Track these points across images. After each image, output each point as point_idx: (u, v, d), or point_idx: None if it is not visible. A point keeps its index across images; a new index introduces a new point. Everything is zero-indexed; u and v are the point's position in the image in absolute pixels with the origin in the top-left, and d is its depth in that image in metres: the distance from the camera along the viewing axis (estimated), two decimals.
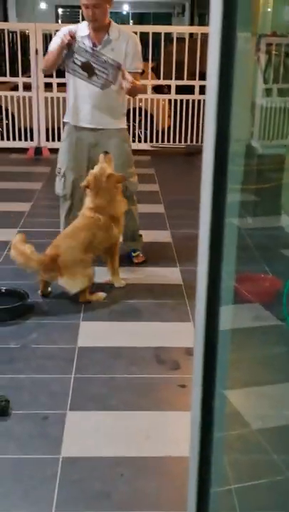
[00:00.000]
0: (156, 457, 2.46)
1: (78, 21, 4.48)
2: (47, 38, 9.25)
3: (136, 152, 8.48)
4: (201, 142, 8.54)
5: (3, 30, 8.85)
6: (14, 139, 8.36)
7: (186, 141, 8.69)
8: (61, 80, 6.92)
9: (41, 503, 2.18)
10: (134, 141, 8.78)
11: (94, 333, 3.48)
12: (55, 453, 2.45)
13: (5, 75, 8.25)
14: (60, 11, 22.85)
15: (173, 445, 2.53)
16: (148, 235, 5.15)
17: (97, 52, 3.92)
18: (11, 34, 9.31)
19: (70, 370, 3.06)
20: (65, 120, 4.32)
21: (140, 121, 8.78)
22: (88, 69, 3.90)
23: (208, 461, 1.04)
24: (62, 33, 3.99)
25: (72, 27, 4.10)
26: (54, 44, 4.00)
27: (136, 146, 8.69)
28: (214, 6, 0.92)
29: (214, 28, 0.92)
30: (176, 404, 2.84)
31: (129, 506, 2.19)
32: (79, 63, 3.90)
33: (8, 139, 8.43)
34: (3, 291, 3.81)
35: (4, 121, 8.49)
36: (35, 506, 2.17)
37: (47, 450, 2.47)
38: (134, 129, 8.81)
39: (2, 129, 8.52)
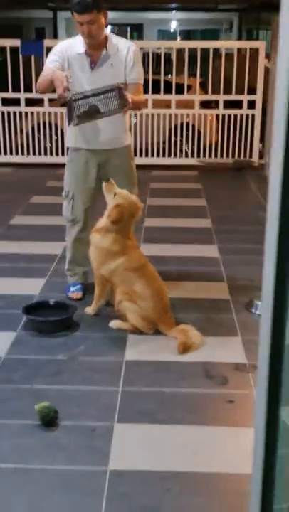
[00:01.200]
0: (204, 473, 2.42)
1: None
2: None
3: (183, 167, 8.56)
4: (249, 157, 8.59)
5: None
6: (63, 154, 8.51)
7: (233, 156, 8.66)
8: None
9: None
10: (180, 156, 8.82)
11: (141, 346, 3.47)
12: (102, 465, 2.45)
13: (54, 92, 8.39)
14: (108, 28, 23.21)
15: (221, 461, 2.49)
16: (194, 250, 5.14)
17: (93, 89, 3.68)
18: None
19: (117, 383, 3.06)
20: (69, 145, 4.11)
21: (187, 136, 8.81)
22: (94, 112, 3.68)
23: (271, 476, 1.01)
24: (54, 55, 3.82)
25: (64, 46, 3.86)
26: (47, 70, 3.78)
27: (183, 161, 8.74)
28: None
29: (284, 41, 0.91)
30: (224, 420, 2.80)
31: None
32: (82, 112, 3.67)
33: (56, 154, 8.59)
34: (52, 303, 3.85)
35: (53, 137, 8.65)
36: None
37: (94, 462, 2.47)
38: (181, 144, 8.86)
39: (51, 144, 8.69)
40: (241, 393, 3.00)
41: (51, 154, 8.66)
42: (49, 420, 2.70)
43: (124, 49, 3.83)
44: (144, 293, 3.57)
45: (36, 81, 4.06)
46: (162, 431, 2.70)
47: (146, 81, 8.09)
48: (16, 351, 3.37)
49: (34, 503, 2.25)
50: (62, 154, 8.44)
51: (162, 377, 3.14)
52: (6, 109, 8.48)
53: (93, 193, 4.02)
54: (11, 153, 8.66)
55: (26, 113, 8.43)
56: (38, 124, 8.60)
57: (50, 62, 3.83)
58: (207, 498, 2.30)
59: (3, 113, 8.52)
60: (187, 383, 3.08)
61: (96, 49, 3.79)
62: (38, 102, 8.48)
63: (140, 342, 3.52)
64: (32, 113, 8.50)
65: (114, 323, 3.64)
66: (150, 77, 8.19)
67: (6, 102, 8.47)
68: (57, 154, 8.60)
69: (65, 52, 3.83)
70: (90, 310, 3.78)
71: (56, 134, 8.64)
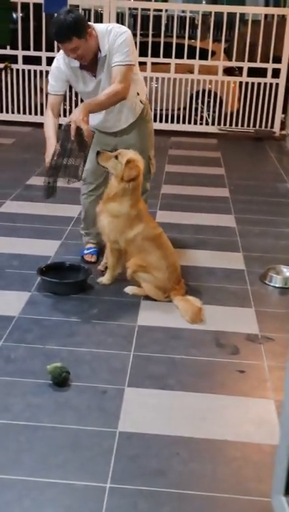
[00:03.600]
0: (212, 440, 2.45)
1: None
2: (121, 17, 9.25)
3: (202, 135, 8.45)
4: (271, 127, 8.45)
5: (78, 6, 8.87)
6: None
7: (255, 125, 8.53)
8: None
9: (97, 475, 2.22)
10: (201, 123, 8.70)
11: (154, 312, 3.48)
12: (112, 427, 2.48)
13: None
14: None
15: (229, 429, 2.52)
16: (211, 219, 5.12)
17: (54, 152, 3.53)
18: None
19: (129, 348, 3.08)
20: None
21: (208, 103, 8.68)
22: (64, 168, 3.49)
23: None
24: (51, 79, 3.69)
25: (60, 62, 3.62)
26: (49, 99, 3.71)
27: (203, 128, 8.63)
28: None
29: None
30: (233, 389, 2.82)
31: (183, 486, 2.20)
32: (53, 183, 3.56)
33: None
34: (67, 265, 3.86)
35: (73, 98, 8.56)
36: (91, 477, 2.21)
37: (104, 423, 2.50)
38: (201, 111, 8.73)
39: (70, 106, 8.60)
40: (252, 363, 3.01)
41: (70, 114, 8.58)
42: (61, 380, 2.73)
43: (112, 40, 3.52)
44: (159, 264, 3.57)
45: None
46: (172, 396, 2.72)
47: (169, 44, 8.03)
48: (30, 311, 3.39)
49: (44, 459, 2.29)
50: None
51: (174, 344, 3.16)
52: (26, 67, 8.38)
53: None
54: (30, 113, 8.60)
55: (47, 72, 8.32)
56: None
57: (51, 90, 3.72)
58: (214, 465, 2.32)
59: (23, 71, 8.43)
60: (198, 351, 3.10)
61: (92, 60, 3.56)
62: None
63: (153, 308, 3.53)
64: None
65: (130, 289, 3.65)
66: (174, 40, 8.04)
67: (27, 60, 8.36)
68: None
69: (62, 68, 3.63)
70: (104, 280, 3.75)
71: (76, 96, 8.54)
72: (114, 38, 3.53)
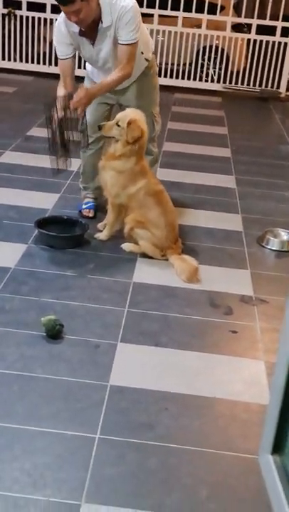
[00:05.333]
0: (202, 396, 2.49)
1: None
2: None
3: (207, 92, 8.31)
4: (277, 88, 8.32)
5: None
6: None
7: (260, 85, 8.39)
8: None
9: (87, 426, 2.26)
10: (206, 80, 8.55)
11: (150, 270, 3.49)
12: (103, 380, 2.52)
13: None
14: None
15: (220, 387, 2.56)
16: (212, 179, 5.08)
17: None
18: None
19: (123, 304, 3.10)
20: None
21: (215, 59, 8.51)
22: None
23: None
24: (57, 44, 3.65)
25: (61, 26, 3.57)
26: (60, 65, 3.69)
27: (208, 86, 8.48)
28: None
29: None
30: (226, 348, 2.85)
31: (170, 440, 2.24)
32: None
33: (79, 67, 8.34)
34: (65, 219, 3.85)
35: None
36: (81, 428, 2.25)
37: (96, 377, 2.54)
38: (207, 68, 8.57)
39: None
40: (245, 324, 3.04)
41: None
42: (55, 333, 2.76)
43: (118, 16, 3.47)
44: (158, 221, 3.56)
45: None
46: (164, 353, 2.76)
47: None
48: (26, 264, 3.40)
49: (36, 409, 2.33)
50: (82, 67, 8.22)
51: (168, 302, 3.18)
52: (31, 14, 8.17)
53: (106, 111, 3.93)
54: (33, 62, 8.43)
55: (52, 20, 8.11)
56: None
57: (58, 55, 3.69)
58: (202, 421, 2.37)
59: (27, 18, 8.22)
60: (192, 310, 3.12)
61: (91, 28, 3.51)
62: None
63: (149, 265, 3.54)
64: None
65: (127, 246, 3.65)
66: None
67: (32, 6, 8.14)
68: (79, 67, 8.34)
69: (63, 32, 3.59)
70: (102, 236, 3.74)
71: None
72: (120, 13, 3.46)
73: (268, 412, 1.13)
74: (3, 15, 8.21)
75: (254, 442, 2.15)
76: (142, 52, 3.76)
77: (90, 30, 3.52)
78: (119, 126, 3.50)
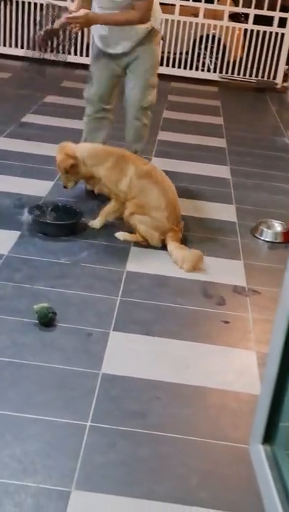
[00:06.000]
0: (193, 386, 2.50)
1: None
2: None
3: (203, 82, 8.28)
4: (273, 79, 8.30)
5: None
6: (81, 54, 8.20)
7: (257, 75, 8.36)
8: None
9: (79, 414, 2.26)
10: (202, 70, 8.51)
11: (143, 259, 3.49)
12: (95, 368, 2.52)
13: None
14: None
15: (211, 377, 2.57)
16: (206, 169, 5.07)
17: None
18: None
19: (116, 293, 3.10)
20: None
21: (211, 49, 8.46)
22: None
23: (281, 395, 1.04)
24: None
25: None
26: None
27: (204, 75, 8.44)
28: None
29: None
30: (218, 338, 2.86)
31: (162, 429, 2.25)
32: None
33: (75, 54, 8.28)
34: (60, 206, 3.83)
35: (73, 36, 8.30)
36: (73, 416, 2.25)
37: (88, 365, 2.54)
38: (204, 57, 8.53)
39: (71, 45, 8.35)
40: (237, 315, 3.05)
41: (69, 53, 8.33)
42: (47, 321, 2.75)
43: None
44: (158, 202, 3.56)
45: None
46: (156, 342, 2.76)
47: None
48: (19, 251, 3.39)
49: (28, 396, 2.33)
50: (81, 55, 8.15)
51: (161, 291, 3.18)
52: None
53: (114, 83, 4.10)
54: (29, 48, 8.35)
55: (48, 5, 8.02)
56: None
57: None
58: (193, 410, 2.38)
59: (23, 3, 8.14)
60: (184, 300, 3.13)
61: None
62: None
63: (142, 255, 3.53)
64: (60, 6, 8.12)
65: (121, 234, 3.64)
66: None
67: None
68: (75, 54, 8.29)
69: None
70: (96, 223, 3.73)
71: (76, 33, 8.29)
72: None
73: (258, 402, 1.14)
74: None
75: (245, 432, 2.16)
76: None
77: None
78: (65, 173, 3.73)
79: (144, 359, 2.64)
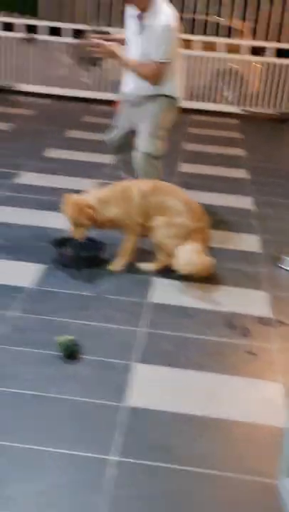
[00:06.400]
0: (218, 419, 2.45)
1: None
2: None
3: (224, 115, 8.35)
4: None
5: None
6: (101, 89, 8.34)
7: (280, 107, 8.41)
8: None
9: (100, 448, 2.22)
10: (223, 103, 8.58)
11: (166, 290, 3.47)
12: (118, 401, 2.48)
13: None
14: None
15: (236, 409, 2.51)
16: (228, 199, 5.07)
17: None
18: None
19: (139, 324, 3.08)
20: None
21: (231, 82, 8.55)
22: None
23: None
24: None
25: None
26: None
27: (225, 108, 8.51)
28: None
29: None
30: (243, 370, 2.81)
31: (186, 463, 2.20)
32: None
33: (97, 89, 8.42)
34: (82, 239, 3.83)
35: (96, 72, 8.47)
36: (96, 450, 2.21)
37: (111, 397, 2.50)
38: (224, 90, 8.61)
39: (90, 80, 8.51)
40: (262, 346, 3.00)
41: (90, 89, 8.51)
42: (71, 353, 2.73)
43: (159, 25, 3.86)
44: (175, 208, 3.53)
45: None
46: (180, 374, 2.72)
47: (194, 21, 7.90)
48: (43, 283, 3.40)
49: (51, 429, 2.30)
50: (103, 90, 8.29)
51: (183, 322, 3.15)
52: (51, 38, 8.31)
53: (127, 130, 4.30)
54: (52, 85, 8.55)
55: (72, 44, 8.21)
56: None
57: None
58: (219, 444, 2.33)
59: (47, 43, 8.35)
60: (208, 331, 3.09)
61: (142, 16, 3.93)
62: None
63: (165, 286, 3.51)
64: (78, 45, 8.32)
65: (143, 266, 3.63)
66: (200, 16, 7.92)
67: (53, 31, 8.29)
68: (96, 89, 8.45)
69: (127, 13, 4.09)
70: (117, 266, 3.62)
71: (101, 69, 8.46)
72: (160, 25, 3.85)
73: (285, 435, 1.10)
74: (25, 39, 8.35)
75: (272, 465, 2.10)
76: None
77: (142, 17, 3.93)
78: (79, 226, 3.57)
79: (168, 391, 2.60)
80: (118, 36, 4.22)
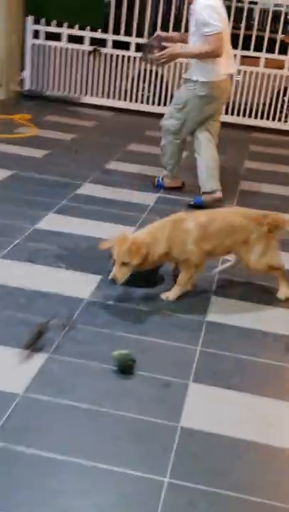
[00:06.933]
0: (276, 447, 2.36)
1: None
2: None
3: (287, 133, 8.22)
4: None
5: None
6: (165, 104, 8.37)
7: None
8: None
9: (156, 469, 2.17)
10: (286, 121, 8.45)
11: (224, 309, 3.41)
12: (174, 421, 2.43)
13: None
14: None
15: None
16: None
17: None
18: None
19: (196, 342, 3.03)
20: None
21: None
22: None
23: None
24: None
25: None
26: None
27: (287, 126, 8.38)
28: None
29: None
30: None
31: (247, 491, 2.12)
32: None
33: (158, 104, 8.44)
34: None
35: (156, 86, 8.49)
36: (150, 470, 2.16)
37: (166, 416, 2.46)
38: (287, 108, 8.50)
39: (150, 93, 8.52)
40: None
41: (153, 103, 8.55)
42: (126, 368, 2.70)
43: (199, 7, 4.51)
44: (239, 224, 3.49)
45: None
46: (237, 397, 2.65)
47: (260, 38, 7.85)
48: (100, 296, 3.38)
49: (104, 445, 2.27)
50: (165, 104, 8.31)
51: (242, 343, 3.08)
52: (115, 52, 8.39)
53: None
54: (114, 98, 8.63)
55: (135, 58, 8.27)
56: (144, 71, 8.46)
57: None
58: (278, 473, 2.25)
59: (112, 56, 8.44)
60: (267, 353, 3.01)
61: (191, 8, 4.62)
62: None
63: (224, 305, 3.45)
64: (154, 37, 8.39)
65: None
66: (266, 35, 7.87)
67: (117, 45, 8.37)
68: (159, 104, 8.47)
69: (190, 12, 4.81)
70: (171, 295, 3.43)
71: (160, 84, 8.49)
72: (200, 7, 4.49)
73: None
74: (89, 52, 8.48)
75: None
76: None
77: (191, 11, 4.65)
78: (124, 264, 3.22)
79: (225, 415, 2.53)
80: (177, 37, 5.03)
